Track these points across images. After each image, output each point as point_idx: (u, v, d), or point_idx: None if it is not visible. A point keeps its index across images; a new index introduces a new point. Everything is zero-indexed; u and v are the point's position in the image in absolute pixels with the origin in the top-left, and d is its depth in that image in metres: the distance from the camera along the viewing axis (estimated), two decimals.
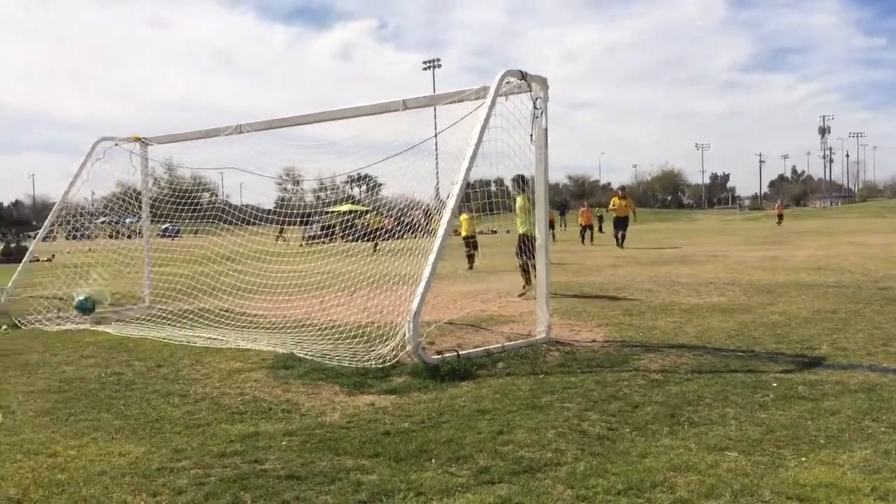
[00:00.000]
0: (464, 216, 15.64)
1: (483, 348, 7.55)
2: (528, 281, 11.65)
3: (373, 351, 7.11)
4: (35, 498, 3.99)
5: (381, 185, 14.43)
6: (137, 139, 12.36)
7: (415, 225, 10.04)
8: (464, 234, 18.09)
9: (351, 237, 15.86)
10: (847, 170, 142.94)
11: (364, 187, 23.78)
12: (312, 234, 19.70)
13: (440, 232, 7.24)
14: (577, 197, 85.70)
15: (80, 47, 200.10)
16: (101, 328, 10.09)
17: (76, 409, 5.88)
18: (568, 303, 10.91)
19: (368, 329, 8.23)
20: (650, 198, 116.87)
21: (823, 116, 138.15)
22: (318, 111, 10.24)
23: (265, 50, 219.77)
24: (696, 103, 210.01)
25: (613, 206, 25.69)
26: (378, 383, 6.37)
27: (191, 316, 10.48)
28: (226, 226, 12.53)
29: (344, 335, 8.15)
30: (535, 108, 8.02)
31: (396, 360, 6.76)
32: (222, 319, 10.09)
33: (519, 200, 11.20)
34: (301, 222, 13.70)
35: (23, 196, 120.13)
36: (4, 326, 10.66)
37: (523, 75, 7.90)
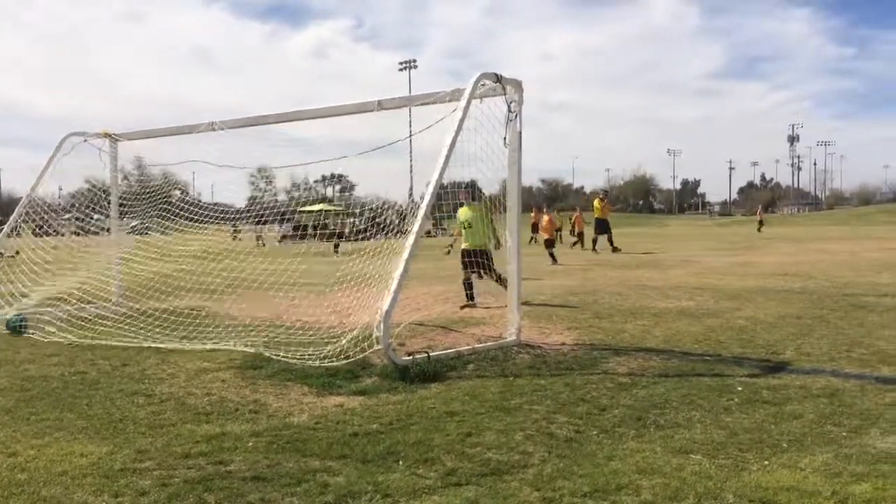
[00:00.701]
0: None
1: (453, 350, 7.57)
2: (470, 297, 10.93)
3: (339, 351, 7.04)
4: None
5: (354, 185, 14.38)
6: (107, 135, 12.17)
7: (389, 225, 9.98)
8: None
9: (326, 238, 15.79)
10: (815, 178, 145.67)
11: (338, 187, 23.67)
12: (284, 233, 19.62)
13: (413, 228, 7.24)
14: (550, 200, 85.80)
15: (53, 41, 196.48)
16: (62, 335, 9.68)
17: (38, 408, 5.77)
18: (538, 306, 10.95)
19: (338, 330, 8.18)
20: (622, 202, 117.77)
21: (793, 125, 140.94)
22: (293, 109, 10.17)
23: (240, 47, 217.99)
24: (669, 109, 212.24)
25: (596, 208, 26.00)
26: (347, 384, 6.35)
27: (157, 314, 10.31)
28: (197, 224, 12.36)
29: (312, 336, 8.09)
30: (509, 111, 8.05)
31: (361, 355, 6.70)
32: (188, 319, 9.94)
33: (467, 211, 10.67)
34: (268, 221, 13.54)
35: None
36: None
37: (498, 78, 7.92)
